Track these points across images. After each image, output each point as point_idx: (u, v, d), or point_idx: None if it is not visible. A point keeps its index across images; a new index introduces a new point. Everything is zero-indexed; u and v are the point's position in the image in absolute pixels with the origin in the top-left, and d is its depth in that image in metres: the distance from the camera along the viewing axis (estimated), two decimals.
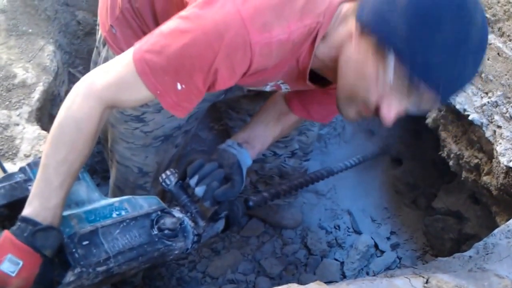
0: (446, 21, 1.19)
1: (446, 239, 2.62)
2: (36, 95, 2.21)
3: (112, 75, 1.38)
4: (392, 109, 1.31)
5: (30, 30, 2.45)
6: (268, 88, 1.68)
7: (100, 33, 1.89)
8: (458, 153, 2.28)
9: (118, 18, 1.79)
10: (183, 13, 1.38)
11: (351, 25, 1.35)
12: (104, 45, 1.89)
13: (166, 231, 1.52)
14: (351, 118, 1.46)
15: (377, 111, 1.33)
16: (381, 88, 1.29)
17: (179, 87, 1.36)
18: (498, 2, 1.96)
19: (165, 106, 1.40)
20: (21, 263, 1.27)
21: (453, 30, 1.19)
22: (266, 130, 1.87)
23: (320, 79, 1.57)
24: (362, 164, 2.79)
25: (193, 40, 1.31)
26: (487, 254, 1.69)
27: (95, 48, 1.99)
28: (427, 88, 1.24)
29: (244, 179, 1.71)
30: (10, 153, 1.98)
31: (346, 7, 1.39)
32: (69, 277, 1.31)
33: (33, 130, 2.07)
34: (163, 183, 1.65)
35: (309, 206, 3.02)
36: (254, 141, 1.83)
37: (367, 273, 2.73)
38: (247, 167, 1.76)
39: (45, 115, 2.29)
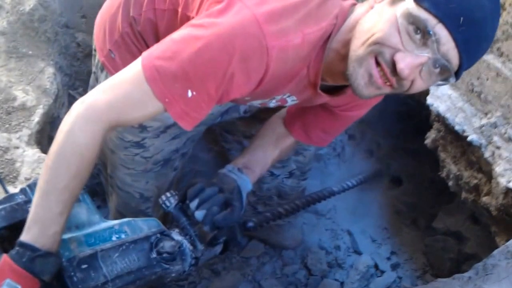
0: None
1: (446, 259, 2.62)
2: (36, 117, 2.21)
3: (115, 93, 1.34)
4: (407, 60, 1.26)
5: (30, 52, 2.46)
6: (272, 104, 1.67)
7: (98, 58, 1.86)
8: (457, 173, 2.28)
9: (117, 43, 1.77)
10: (194, 21, 1.37)
11: (367, 5, 1.36)
12: (102, 70, 1.85)
13: (164, 255, 1.51)
14: (362, 86, 1.37)
15: (394, 67, 1.28)
16: (395, 32, 1.26)
17: (189, 94, 1.33)
18: None
19: (173, 116, 1.36)
20: (19, 287, 1.25)
21: None
22: (265, 154, 1.88)
23: (330, 90, 1.56)
24: (362, 184, 2.80)
25: (207, 44, 1.29)
26: (486, 275, 1.69)
27: (92, 74, 1.96)
28: (441, 26, 1.22)
29: (244, 205, 1.70)
30: (11, 176, 1.97)
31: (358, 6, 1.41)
32: None
33: (33, 153, 2.06)
34: (163, 205, 1.65)
35: (309, 227, 3.01)
36: (253, 166, 1.82)
37: None
38: (247, 192, 1.75)
39: (44, 137, 2.29)
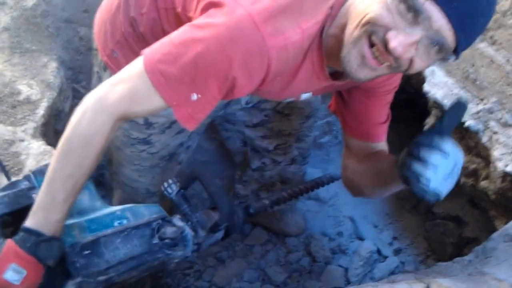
0: None
1: (447, 243, 2.63)
2: (41, 111, 2.22)
3: (124, 88, 1.36)
4: (400, 38, 1.25)
5: (33, 47, 2.47)
6: (286, 100, 1.67)
7: (100, 57, 1.87)
8: None
9: (120, 42, 1.77)
10: (194, 22, 1.37)
11: None
12: (105, 70, 1.86)
13: (166, 240, 1.53)
14: (355, 69, 1.36)
15: (386, 47, 1.28)
16: (386, 12, 1.26)
17: (194, 97, 1.35)
18: None
19: (179, 118, 1.38)
20: (24, 272, 1.28)
21: None
22: None
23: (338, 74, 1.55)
24: None
25: (207, 48, 1.30)
26: (486, 258, 1.70)
27: (95, 74, 1.97)
28: (431, 2, 1.21)
29: None
30: (16, 168, 1.99)
31: None
32: (70, 286, 1.32)
33: (38, 145, 2.08)
34: (165, 192, 1.66)
35: (312, 214, 3.02)
36: None
37: (371, 279, 2.72)
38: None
39: (50, 130, 2.30)
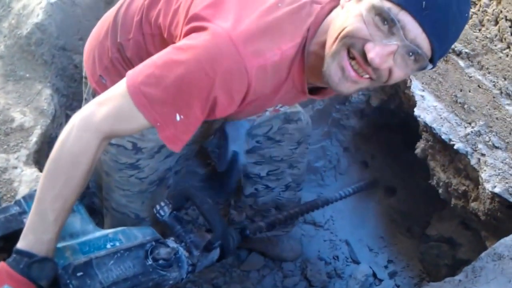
0: None
1: (442, 265, 2.65)
2: (34, 138, 2.24)
3: (109, 107, 1.39)
4: (376, 49, 1.29)
5: (27, 75, 2.50)
6: (267, 114, 1.72)
7: (89, 85, 1.90)
8: (446, 181, 2.33)
9: (107, 68, 1.81)
10: (176, 44, 1.41)
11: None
12: (93, 96, 1.86)
13: (160, 261, 1.54)
14: (337, 83, 1.40)
15: (365, 59, 1.32)
16: (363, 25, 1.31)
17: (178, 118, 1.38)
18: (476, 38, 2.03)
19: (164, 139, 1.42)
20: None
21: None
22: None
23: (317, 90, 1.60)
24: (358, 194, 2.84)
25: (188, 69, 1.34)
26: (475, 277, 1.73)
27: (83, 101, 1.99)
28: (404, 13, 1.26)
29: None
30: (9, 195, 2.00)
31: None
32: None
33: (31, 172, 2.10)
34: (157, 214, 1.68)
35: (308, 238, 3.05)
36: None
37: None
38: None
39: (43, 157, 2.30)
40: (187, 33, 1.44)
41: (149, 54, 1.67)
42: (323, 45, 1.42)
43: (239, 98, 1.43)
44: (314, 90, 1.62)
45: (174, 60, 1.37)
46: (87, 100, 1.95)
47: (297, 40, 1.43)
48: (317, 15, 1.45)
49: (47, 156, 2.27)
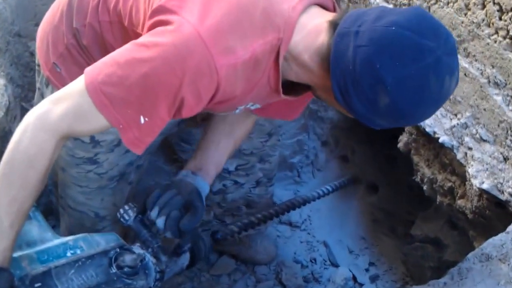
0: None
1: (426, 267, 2.67)
2: None
3: (66, 105, 1.38)
4: None
5: None
6: (237, 112, 1.72)
7: (42, 73, 1.88)
8: (431, 177, 2.34)
9: (62, 55, 1.79)
10: (138, 40, 1.40)
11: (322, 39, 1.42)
12: (47, 86, 1.87)
13: (125, 269, 1.54)
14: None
15: None
16: None
17: (142, 120, 1.38)
18: (462, 23, 2.04)
19: (126, 142, 1.42)
20: None
21: None
22: (217, 149, 1.90)
23: (294, 87, 1.60)
24: (337, 192, 2.85)
25: (154, 68, 1.33)
26: (461, 279, 1.74)
27: (37, 90, 1.97)
28: None
29: (204, 205, 1.74)
30: None
31: (310, 20, 1.46)
32: None
33: None
34: (121, 219, 1.68)
35: (283, 239, 3.06)
36: (207, 166, 1.85)
37: None
38: (206, 195, 1.79)
39: None
40: (151, 27, 1.43)
41: (108, 44, 1.68)
42: (300, 62, 1.47)
43: (207, 98, 1.43)
44: (290, 88, 1.62)
45: (137, 58, 1.36)
46: (40, 90, 1.94)
47: (267, 38, 1.42)
48: (288, 16, 1.44)
49: (0, 152, 2.26)
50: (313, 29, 1.45)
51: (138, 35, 1.51)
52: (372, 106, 1.34)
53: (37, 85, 1.96)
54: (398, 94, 1.30)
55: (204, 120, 2.11)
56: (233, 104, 1.57)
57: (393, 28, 1.29)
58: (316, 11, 1.49)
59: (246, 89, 1.49)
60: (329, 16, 1.47)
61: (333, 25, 1.41)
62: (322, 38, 1.42)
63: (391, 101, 1.30)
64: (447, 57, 1.32)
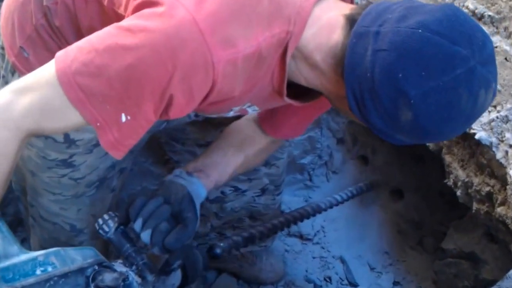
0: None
1: (461, 287, 2.66)
2: None
3: (33, 98, 1.35)
4: None
5: None
6: (231, 114, 1.71)
7: (7, 58, 1.85)
8: (466, 180, 2.33)
9: (31, 38, 1.76)
10: (122, 23, 1.37)
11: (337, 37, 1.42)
12: (13, 74, 1.84)
13: None
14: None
15: None
16: None
17: (123, 119, 1.36)
18: None
19: (103, 144, 1.40)
20: None
21: None
22: (224, 157, 1.90)
23: (301, 91, 1.60)
24: (355, 199, 2.84)
25: (139, 59, 1.30)
26: None
27: (1, 78, 1.94)
28: None
29: (198, 216, 1.72)
30: None
31: (325, 12, 1.44)
32: None
33: None
34: (100, 230, 1.66)
35: (293, 254, 3.06)
36: (208, 169, 1.85)
37: None
38: (201, 201, 1.78)
39: None
40: (138, 8, 1.40)
41: (83, 26, 1.66)
42: (310, 63, 1.48)
43: (200, 97, 1.41)
44: (297, 93, 1.61)
45: (120, 45, 1.32)
46: (5, 78, 1.90)
47: (274, 31, 1.40)
48: (300, 7, 1.43)
49: None
50: (326, 24, 1.44)
51: (120, 18, 1.47)
52: (392, 121, 1.33)
53: (1, 72, 1.93)
54: (423, 110, 1.29)
55: (198, 115, 2.10)
56: (227, 105, 1.57)
57: (420, 31, 1.28)
58: (332, 2, 1.49)
59: (245, 88, 1.48)
60: (347, 8, 1.46)
61: (351, 21, 1.40)
62: (337, 36, 1.42)
63: (414, 117, 1.29)
64: (483, 68, 1.30)
